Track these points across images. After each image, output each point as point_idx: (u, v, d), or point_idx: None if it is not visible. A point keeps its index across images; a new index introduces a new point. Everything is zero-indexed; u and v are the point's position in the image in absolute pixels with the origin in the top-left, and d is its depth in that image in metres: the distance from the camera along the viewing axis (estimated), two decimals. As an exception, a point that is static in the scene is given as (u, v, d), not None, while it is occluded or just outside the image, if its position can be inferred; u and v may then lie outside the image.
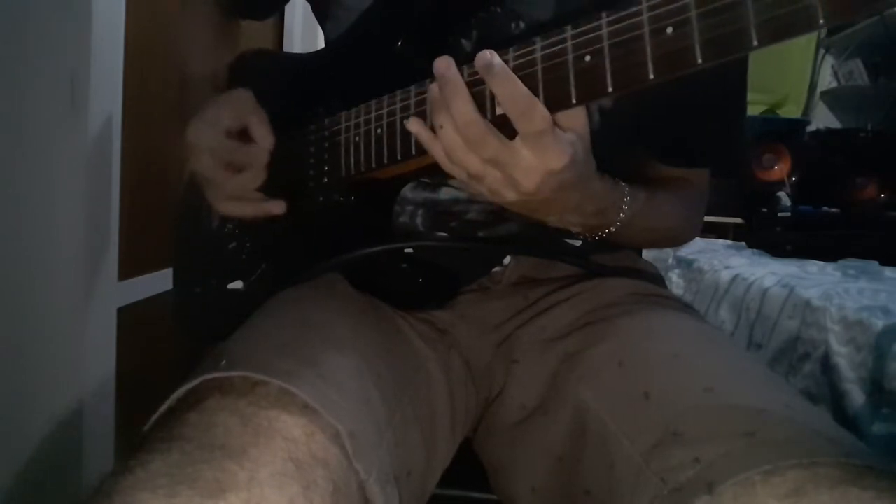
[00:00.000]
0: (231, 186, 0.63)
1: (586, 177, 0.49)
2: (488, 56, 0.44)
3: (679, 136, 0.46)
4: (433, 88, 0.47)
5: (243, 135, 0.63)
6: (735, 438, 0.41)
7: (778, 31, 0.36)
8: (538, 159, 0.45)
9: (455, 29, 0.63)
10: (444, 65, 0.46)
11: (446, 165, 0.49)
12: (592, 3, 0.42)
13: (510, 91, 0.44)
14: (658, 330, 0.57)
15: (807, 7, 0.35)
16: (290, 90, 0.70)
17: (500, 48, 0.48)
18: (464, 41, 0.64)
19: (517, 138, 0.45)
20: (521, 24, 0.64)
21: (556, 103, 0.45)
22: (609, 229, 0.57)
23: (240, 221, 0.75)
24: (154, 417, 0.44)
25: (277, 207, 0.64)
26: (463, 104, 0.45)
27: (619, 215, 0.56)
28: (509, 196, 0.48)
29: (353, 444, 0.42)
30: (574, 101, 0.44)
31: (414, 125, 0.50)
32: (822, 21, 0.34)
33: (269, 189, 0.64)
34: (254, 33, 1.46)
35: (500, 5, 0.64)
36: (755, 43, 0.37)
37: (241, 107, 0.63)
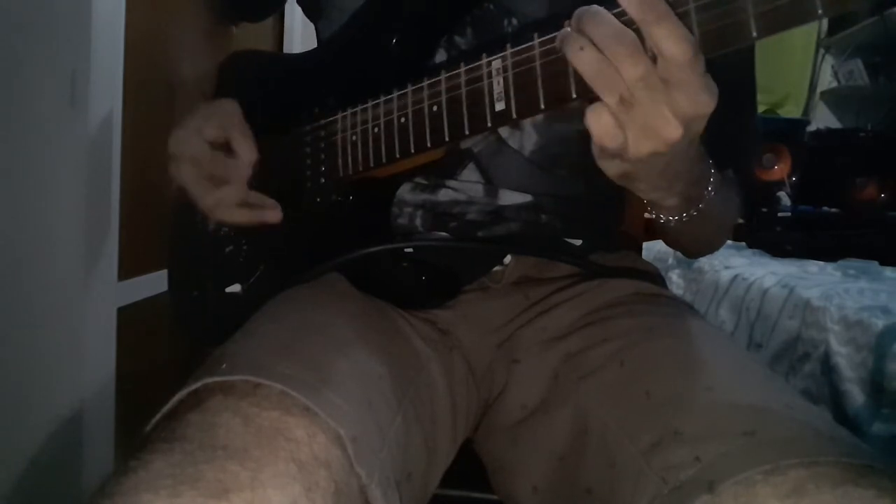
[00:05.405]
0: (210, 200, 0.62)
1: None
2: None
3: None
4: (563, 30, 0.43)
5: (228, 147, 0.62)
6: (735, 437, 0.41)
7: (777, 21, 0.36)
8: (691, 100, 0.41)
9: (449, 27, 0.63)
10: (585, 6, 0.42)
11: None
12: None
13: (679, 33, 0.39)
14: (659, 330, 0.57)
15: None
16: (283, 90, 0.70)
17: (495, 45, 0.48)
18: (458, 39, 0.64)
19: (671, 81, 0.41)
20: (514, 21, 0.64)
21: (556, 98, 0.45)
22: (699, 206, 0.53)
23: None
24: (155, 419, 0.44)
25: (273, 216, 0.63)
26: (609, 21, 0.41)
27: (707, 188, 0.53)
28: (645, 147, 0.43)
29: (354, 449, 0.42)
30: (574, 95, 0.44)
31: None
32: (820, 11, 0.35)
33: (266, 191, 0.64)
34: (254, 33, 1.46)
35: (492, 2, 0.64)
36: (754, 34, 0.37)
37: (225, 119, 0.62)
